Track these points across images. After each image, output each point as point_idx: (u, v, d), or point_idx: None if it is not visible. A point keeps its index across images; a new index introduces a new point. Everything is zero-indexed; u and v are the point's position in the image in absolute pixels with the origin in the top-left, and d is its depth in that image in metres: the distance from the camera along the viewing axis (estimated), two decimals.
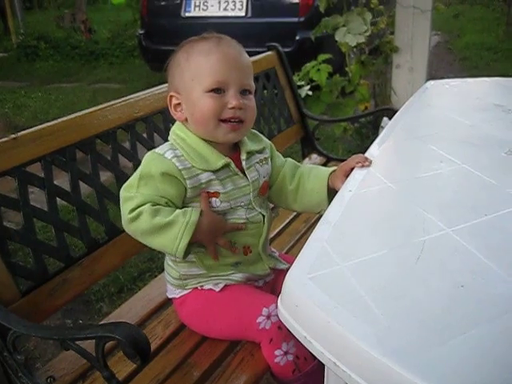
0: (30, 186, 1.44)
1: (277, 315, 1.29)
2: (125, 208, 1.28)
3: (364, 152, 1.39)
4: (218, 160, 1.32)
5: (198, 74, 1.30)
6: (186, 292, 1.44)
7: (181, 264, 1.40)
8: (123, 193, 1.30)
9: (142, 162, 1.33)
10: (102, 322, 1.57)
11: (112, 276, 2.79)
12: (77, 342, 1.13)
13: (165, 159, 1.30)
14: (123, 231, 1.65)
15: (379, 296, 0.80)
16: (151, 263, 3.00)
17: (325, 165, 2.65)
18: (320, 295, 0.81)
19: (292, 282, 0.86)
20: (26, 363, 1.28)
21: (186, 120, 1.35)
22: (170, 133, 1.40)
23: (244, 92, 1.32)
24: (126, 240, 1.66)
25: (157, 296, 1.66)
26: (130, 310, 1.61)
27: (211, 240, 1.32)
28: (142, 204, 1.25)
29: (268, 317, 1.33)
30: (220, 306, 1.39)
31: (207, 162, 1.32)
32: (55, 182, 1.51)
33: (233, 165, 1.34)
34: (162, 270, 2.91)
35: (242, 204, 1.37)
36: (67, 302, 1.48)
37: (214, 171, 1.32)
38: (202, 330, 1.44)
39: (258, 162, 1.42)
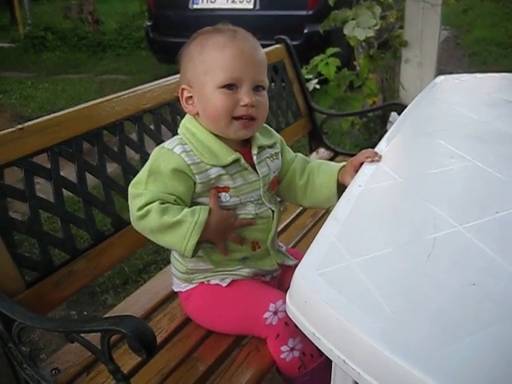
0: (36, 176, 1.43)
1: (284, 311, 1.28)
2: (133, 205, 1.26)
3: (372, 147, 1.38)
4: (228, 155, 1.31)
5: (211, 68, 1.27)
6: (192, 286, 1.43)
7: (188, 259, 1.38)
8: (131, 189, 1.28)
9: (151, 157, 1.31)
10: (107, 315, 1.57)
11: (117, 268, 2.78)
12: (82, 335, 1.13)
13: (174, 154, 1.28)
14: (129, 223, 1.64)
15: (389, 293, 0.79)
16: (157, 255, 2.99)
17: (332, 159, 2.64)
18: (329, 291, 0.80)
19: (301, 277, 0.84)
20: (30, 355, 1.28)
21: (198, 114, 1.33)
22: (180, 126, 1.38)
23: (257, 88, 1.30)
24: (132, 232, 1.64)
25: (162, 289, 1.65)
26: (136, 303, 1.60)
27: (221, 237, 1.32)
28: (151, 202, 1.24)
29: (275, 312, 1.32)
30: (226, 301, 1.38)
31: (217, 157, 1.30)
32: (62, 173, 1.50)
33: (242, 160, 1.33)
34: (168, 262, 2.91)
35: (252, 199, 1.35)
36: (72, 293, 1.48)
37: (224, 166, 1.30)
38: (208, 324, 1.43)
39: (268, 157, 1.41)
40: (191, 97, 1.33)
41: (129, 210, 1.30)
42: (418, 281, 0.82)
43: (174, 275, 1.48)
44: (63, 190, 1.50)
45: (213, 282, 1.41)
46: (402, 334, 0.72)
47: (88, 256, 1.52)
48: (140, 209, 1.24)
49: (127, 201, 1.66)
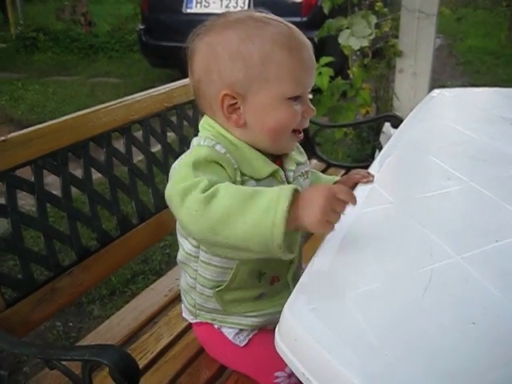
0: (18, 190, 1.38)
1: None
2: (190, 194, 0.93)
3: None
4: (266, 166, 1.11)
5: (276, 74, 1.06)
6: (199, 321, 1.31)
7: (197, 294, 1.25)
8: (173, 189, 0.97)
9: (186, 156, 1.05)
10: (90, 334, 1.51)
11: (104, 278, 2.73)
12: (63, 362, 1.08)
13: (217, 152, 1.06)
14: (115, 238, 1.61)
15: (384, 333, 0.75)
16: (145, 265, 2.95)
17: (325, 170, 2.60)
18: (321, 329, 0.75)
19: (291, 313, 0.80)
20: (9, 378, 1.23)
21: (244, 125, 1.10)
22: (204, 126, 1.16)
23: None
24: (118, 248, 1.61)
25: (148, 307, 1.60)
26: (121, 322, 1.55)
27: (323, 216, 0.89)
28: (216, 183, 0.95)
29: (289, 376, 1.18)
30: (236, 353, 1.27)
31: (253, 167, 1.10)
32: (46, 187, 1.44)
33: (281, 173, 1.14)
34: (155, 272, 2.88)
35: None
36: (55, 312, 1.42)
37: (258, 180, 1.10)
38: (216, 357, 1.35)
39: (300, 175, 1.22)
40: (234, 104, 1.09)
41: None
42: (415, 319, 0.78)
43: (183, 304, 1.36)
44: (47, 203, 1.45)
45: (227, 332, 1.26)
46: (397, 378, 0.68)
47: (72, 273, 1.46)
48: (205, 190, 0.92)
49: (113, 215, 1.63)
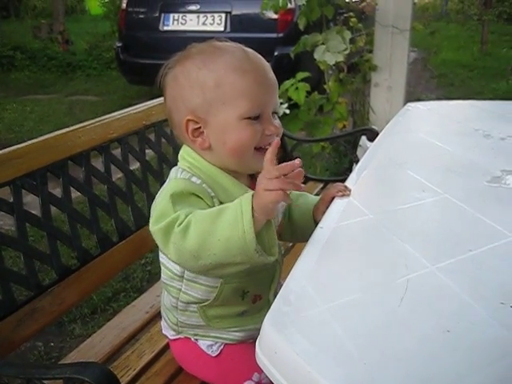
0: None
1: None
2: (172, 234, 1.01)
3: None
4: (241, 192, 1.11)
5: (231, 97, 1.10)
6: (179, 336, 1.33)
7: (181, 311, 1.26)
8: (156, 226, 1.04)
9: (164, 190, 1.12)
10: (72, 353, 1.51)
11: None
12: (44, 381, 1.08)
13: (193, 184, 1.12)
14: (96, 257, 1.61)
15: (362, 342, 0.76)
16: (126, 283, 2.94)
17: (303, 184, 2.61)
18: (300, 341, 0.77)
19: (271, 325, 0.81)
20: None
21: (209, 148, 1.15)
22: (180, 158, 1.21)
23: (273, 114, 1.17)
24: (99, 266, 1.61)
25: (130, 324, 1.60)
26: (103, 339, 1.55)
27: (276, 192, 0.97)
28: (188, 214, 1.02)
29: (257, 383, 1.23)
30: (208, 364, 1.29)
31: (229, 194, 1.13)
32: (25, 207, 1.44)
33: None
34: (137, 289, 2.87)
35: None
36: (35, 332, 1.41)
37: None
38: (192, 371, 1.37)
39: None
40: (198, 128, 1.14)
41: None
42: (392, 328, 0.80)
43: (165, 320, 1.37)
44: (27, 223, 1.45)
45: (201, 342, 1.29)
46: None
47: (53, 292, 1.46)
48: (180, 224, 1.01)
49: (93, 233, 1.64)
